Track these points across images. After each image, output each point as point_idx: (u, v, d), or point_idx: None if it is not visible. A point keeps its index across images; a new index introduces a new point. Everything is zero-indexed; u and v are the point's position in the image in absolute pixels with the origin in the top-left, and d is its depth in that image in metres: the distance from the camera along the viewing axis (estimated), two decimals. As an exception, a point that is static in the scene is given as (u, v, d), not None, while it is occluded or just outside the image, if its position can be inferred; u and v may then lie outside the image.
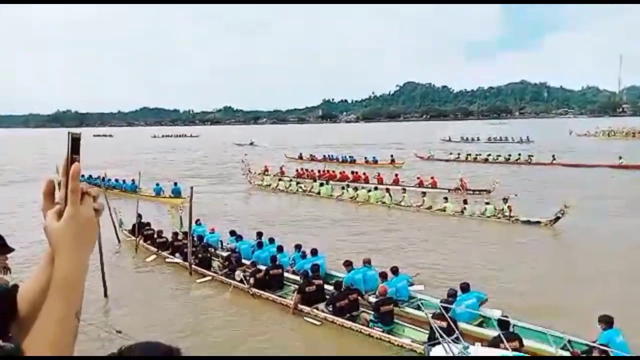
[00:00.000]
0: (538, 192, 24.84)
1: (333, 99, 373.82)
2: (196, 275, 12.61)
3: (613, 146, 51.54)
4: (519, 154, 41.43)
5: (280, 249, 12.67)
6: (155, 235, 15.18)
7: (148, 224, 16.20)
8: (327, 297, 10.03)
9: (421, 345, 7.90)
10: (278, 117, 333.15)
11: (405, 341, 8.32)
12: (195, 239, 13.59)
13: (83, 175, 1.00)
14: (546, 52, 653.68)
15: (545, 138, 65.27)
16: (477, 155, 43.48)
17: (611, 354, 6.45)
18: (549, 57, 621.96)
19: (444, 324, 7.10)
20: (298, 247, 12.85)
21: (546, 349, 7.13)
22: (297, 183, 28.60)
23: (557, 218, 17.13)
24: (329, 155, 45.85)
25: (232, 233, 14.68)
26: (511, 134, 69.83)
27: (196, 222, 14.17)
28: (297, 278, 11.36)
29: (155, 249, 14.65)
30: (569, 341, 7.64)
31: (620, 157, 35.51)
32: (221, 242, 14.96)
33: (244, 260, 12.58)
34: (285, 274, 11.71)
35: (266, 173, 32.97)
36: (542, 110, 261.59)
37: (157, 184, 26.01)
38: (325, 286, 10.63)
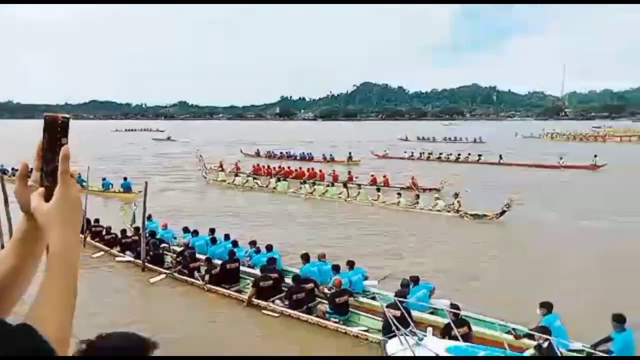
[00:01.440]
0: (486, 189, 25.98)
1: (291, 97, 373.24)
2: (149, 272, 12.30)
3: (555, 147, 54.62)
4: (469, 154, 43.14)
5: (235, 244, 12.60)
6: (104, 232, 14.66)
7: (97, 221, 15.61)
8: (284, 290, 10.11)
9: (377, 332, 8.12)
10: (235, 113, 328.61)
11: (361, 330, 8.52)
12: (147, 235, 13.24)
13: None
14: (497, 57, 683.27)
15: (494, 139, 68.15)
16: (430, 153, 44.81)
17: (551, 338, 6.87)
18: (499, 62, 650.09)
19: (398, 313, 7.32)
20: (253, 243, 12.77)
21: (492, 333, 7.50)
22: (254, 179, 28.46)
23: (503, 212, 18.32)
24: (287, 152, 45.83)
25: (186, 229, 14.40)
26: (464, 135, 72.55)
27: (148, 217, 13.79)
28: (254, 272, 11.35)
29: (105, 246, 14.14)
30: (513, 329, 8.10)
31: (561, 158, 37.82)
32: (174, 237, 14.66)
33: (198, 256, 12.40)
34: (242, 268, 11.67)
35: (221, 169, 32.53)
36: (491, 112, 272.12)
37: (104, 179, 25.09)
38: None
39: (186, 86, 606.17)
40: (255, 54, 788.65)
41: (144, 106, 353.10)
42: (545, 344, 6.92)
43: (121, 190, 23.67)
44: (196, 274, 11.43)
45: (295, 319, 9.34)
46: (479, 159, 41.50)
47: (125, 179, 24.47)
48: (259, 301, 9.98)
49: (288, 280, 10.63)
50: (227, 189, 27.92)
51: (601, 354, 7.07)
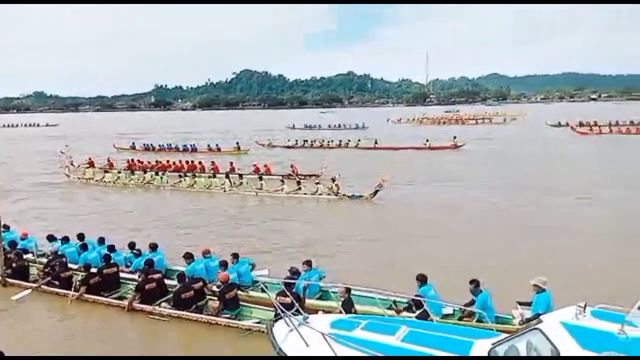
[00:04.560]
0: (362, 171, 27.97)
1: (166, 85, 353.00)
2: (11, 288, 10.83)
3: (422, 131, 59.94)
4: (349, 140, 45.30)
5: (112, 248, 11.61)
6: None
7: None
8: (170, 292, 9.68)
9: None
10: (103, 103, 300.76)
11: (252, 323, 8.53)
12: (6, 246, 11.63)
13: None
14: (369, 47, 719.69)
15: (370, 125, 72.60)
16: (313, 141, 46.08)
17: (424, 303, 7.63)
18: (372, 51, 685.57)
19: (288, 300, 7.48)
20: (131, 245, 11.91)
21: (375, 310, 8.05)
22: (129, 175, 26.60)
23: (376, 191, 20.07)
24: (167, 145, 43.50)
25: (52, 237, 12.93)
26: (343, 122, 76.09)
27: (4, 227, 12.07)
28: (135, 277, 10.62)
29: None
30: (394, 301, 8.80)
31: (427, 140, 41.67)
32: (37, 247, 13.07)
33: (70, 265, 11.25)
34: (122, 274, 10.87)
35: (89, 166, 29.76)
36: (366, 100, 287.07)
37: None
38: (167, 281, 10.24)
39: (43, 75, 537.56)
40: (124, 38, 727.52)
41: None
42: (419, 312, 7.69)
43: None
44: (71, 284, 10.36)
45: (185, 319, 9.01)
46: (357, 144, 43.80)
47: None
48: (143, 306, 9.43)
49: (170, 282, 10.14)
50: (97, 188, 25.68)
51: (469, 309, 8.00)
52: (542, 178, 24.51)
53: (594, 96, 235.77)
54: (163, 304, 9.42)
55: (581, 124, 57.80)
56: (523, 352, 5.03)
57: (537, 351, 4.88)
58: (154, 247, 11.51)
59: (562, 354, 4.57)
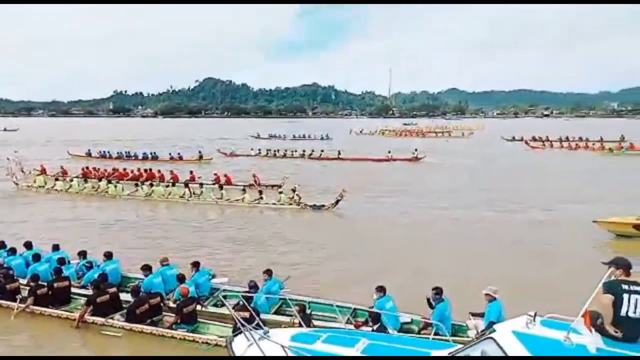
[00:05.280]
0: (324, 181, 28.22)
1: (126, 91, 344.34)
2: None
3: (384, 143, 60.97)
4: (312, 150, 45.43)
5: (62, 260, 11.01)
6: None
7: None
8: (125, 307, 9.29)
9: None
10: (58, 109, 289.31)
11: (210, 337, 8.32)
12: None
13: None
14: (334, 58, 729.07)
15: (334, 135, 73.22)
16: (276, 151, 45.92)
17: (383, 315, 7.69)
18: (337, 63, 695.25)
19: (247, 314, 7.36)
20: (82, 254, 11.45)
21: (335, 326, 8.05)
22: (81, 183, 25.61)
23: (337, 201, 20.21)
24: (126, 153, 42.22)
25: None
26: (307, 132, 76.10)
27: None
28: (88, 292, 10.10)
29: None
30: (355, 309, 8.84)
31: (389, 152, 42.40)
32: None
33: (17, 277, 10.64)
34: (73, 289, 10.35)
35: (40, 173, 28.46)
36: (330, 110, 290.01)
37: None
38: (123, 295, 9.84)
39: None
40: (81, 43, 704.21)
41: None
42: (377, 325, 7.77)
43: None
44: (17, 296, 9.81)
45: (139, 332, 8.69)
46: (321, 154, 43.99)
47: None
48: (95, 318, 9.02)
49: (125, 295, 9.76)
50: (48, 197, 24.55)
51: (427, 321, 8.10)
52: (500, 190, 25.36)
53: (546, 112, 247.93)
54: (116, 317, 9.05)
55: (534, 139, 60.40)
56: (477, 361, 5.14)
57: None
58: (109, 256, 11.10)
59: (513, 362, 4.71)
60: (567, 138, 59.19)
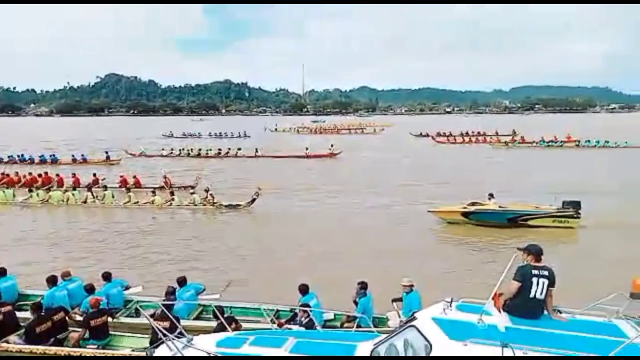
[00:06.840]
0: (240, 180, 27.80)
1: (15, 88, 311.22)
2: None
3: (299, 140, 61.52)
4: (229, 148, 44.49)
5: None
6: None
7: None
8: (23, 326, 8.34)
9: (143, 352, 7.52)
10: None
11: (124, 352, 7.75)
12: None
13: None
14: (247, 55, 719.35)
15: (250, 133, 72.23)
16: (190, 150, 44.29)
17: (310, 312, 7.72)
18: (249, 59, 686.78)
19: (167, 323, 6.97)
20: None
21: (260, 327, 7.92)
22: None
23: (253, 200, 20.01)
24: (18, 156, 38.11)
25: None
26: (224, 130, 74.22)
27: None
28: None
29: None
30: (277, 310, 8.77)
31: (307, 148, 42.89)
32: None
33: None
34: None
35: None
36: (244, 108, 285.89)
37: None
38: (20, 314, 8.84)
39: None
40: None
41: None
42: (305, 320, 7.77)
43: None
44: None
45: (40, 355, 7.84)
46: (237, 153, 43.21)
47: None
48: (-14, 342, 7.99)
49: (22, 314, 8.81)
50: None
51: (349, 314, 8.28)
52: (415, 183, 26.65)
53: (448, 109, 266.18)
54: (12, 339, 8.09)
55: (439, 134, 64.54)
56: (401, 349, 5.34)
57: (413, 346, 5.21)
58: (2, 272, 9.90)
59: (434, 347, 4.95)
60: (467, 133, 64.31)
